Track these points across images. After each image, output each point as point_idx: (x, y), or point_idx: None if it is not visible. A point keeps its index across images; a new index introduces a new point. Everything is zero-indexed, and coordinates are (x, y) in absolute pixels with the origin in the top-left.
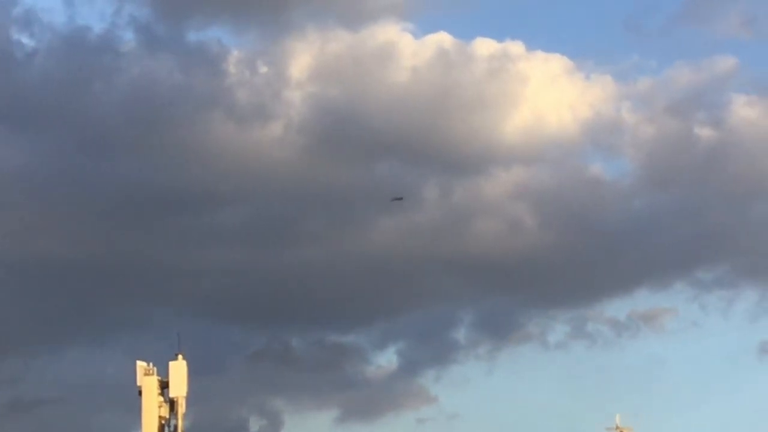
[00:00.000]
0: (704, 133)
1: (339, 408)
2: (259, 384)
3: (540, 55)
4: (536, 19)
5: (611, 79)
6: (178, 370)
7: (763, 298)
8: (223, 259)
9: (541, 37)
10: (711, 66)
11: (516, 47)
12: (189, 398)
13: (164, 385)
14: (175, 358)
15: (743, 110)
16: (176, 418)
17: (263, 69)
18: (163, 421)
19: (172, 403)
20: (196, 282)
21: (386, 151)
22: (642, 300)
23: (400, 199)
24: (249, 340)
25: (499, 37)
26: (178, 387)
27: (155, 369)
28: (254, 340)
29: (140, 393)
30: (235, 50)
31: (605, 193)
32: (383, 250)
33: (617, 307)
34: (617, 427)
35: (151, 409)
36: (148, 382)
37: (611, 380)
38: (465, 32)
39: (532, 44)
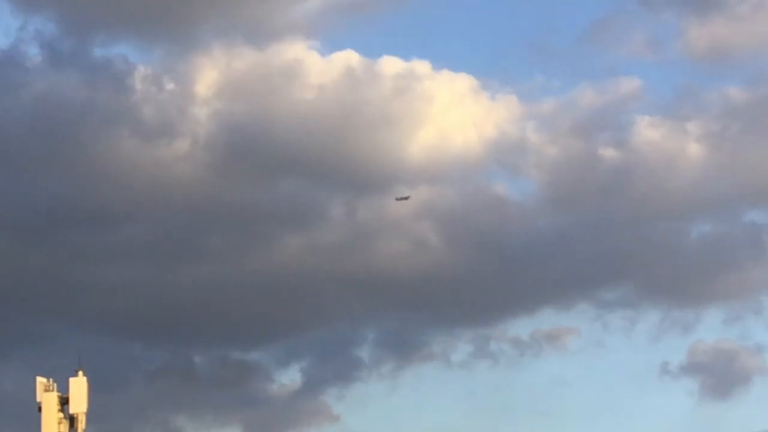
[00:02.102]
0: (608, 153)
1: (241, 425)
2: (161, 401)
3: (446, 74)
4: (442, 38)
5: (516, 99)
6: (79, 386)
7: (666, 318)
8: (125, 275)
9: (447, 56)
10: (615, 87)
11: (422, 66)
12: (89, 415)
13: (64, 402)
14: (76, 375)
15: (647, 131)
16: None
17: (169, 86)
18: None
19: (72, 420)
20: (98, 298)
21: (291, 168)
22: (545, 319)
23: (406, 198)
24: (151, 357)
25: (406, 56)
26: (78, 403)
27: (55, 385)
28: (156, 357)
29: (40, 409)
30: (141, 66)
31: (509, 213)
32: (287, 267)
33: (520, 327)
34: None
35: (51, 425)
36: (47, 398)
37: (514, 399)
38: (371, 51)
39: (438, 63)
